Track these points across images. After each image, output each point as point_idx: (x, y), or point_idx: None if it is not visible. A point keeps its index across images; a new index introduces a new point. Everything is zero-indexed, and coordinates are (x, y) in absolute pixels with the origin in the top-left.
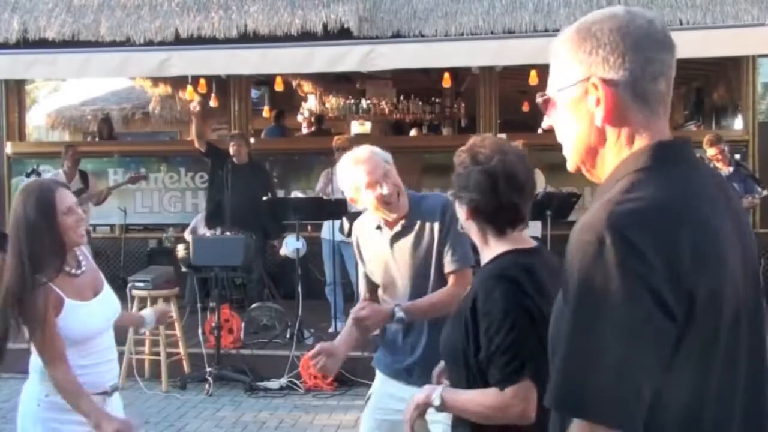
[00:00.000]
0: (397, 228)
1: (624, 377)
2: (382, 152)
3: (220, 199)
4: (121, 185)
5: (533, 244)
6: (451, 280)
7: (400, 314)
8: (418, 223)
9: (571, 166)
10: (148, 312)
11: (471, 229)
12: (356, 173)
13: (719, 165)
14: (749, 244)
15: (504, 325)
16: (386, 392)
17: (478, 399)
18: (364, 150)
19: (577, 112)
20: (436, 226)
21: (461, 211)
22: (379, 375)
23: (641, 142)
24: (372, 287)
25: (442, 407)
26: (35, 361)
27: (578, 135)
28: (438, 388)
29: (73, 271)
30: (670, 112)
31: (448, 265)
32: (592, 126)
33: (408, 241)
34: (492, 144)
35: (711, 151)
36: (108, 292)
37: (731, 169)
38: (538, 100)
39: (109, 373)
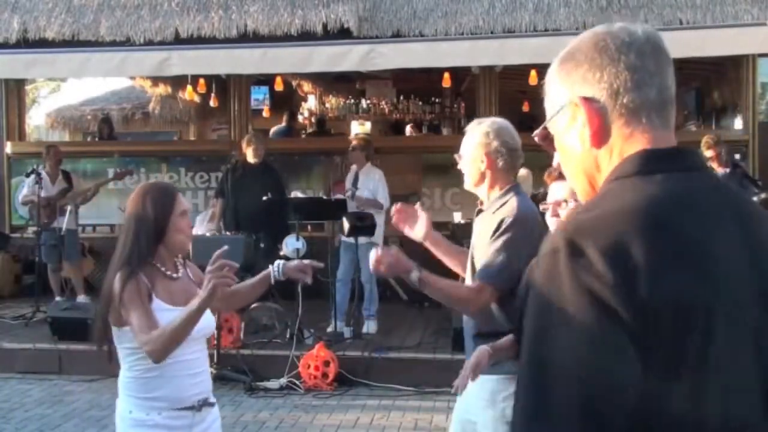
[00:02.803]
0: (478, 210)
1: (573, 384)
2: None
3: (235, 202)
4: (108, 182)
5: None
6: (473, 284)
7: (414, 276)
8: (490, 213)
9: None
10: (278, 263)
11: None
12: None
13: (714, 165)
14: None
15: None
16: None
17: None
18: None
19: (569, 138)
20: (493, 226)
21: None
22: None
23: (630, 153)
24: None
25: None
26: (122, 376)
27: (578, 163)
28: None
29: (169, 273)
30: (672, 119)
31: (477, 272)
32: (587, 151)
33: (477, 227)
34: None
35: (708, 153)
36: None
37: (727, 170)
38: (536, 137)
39: (195, 387)
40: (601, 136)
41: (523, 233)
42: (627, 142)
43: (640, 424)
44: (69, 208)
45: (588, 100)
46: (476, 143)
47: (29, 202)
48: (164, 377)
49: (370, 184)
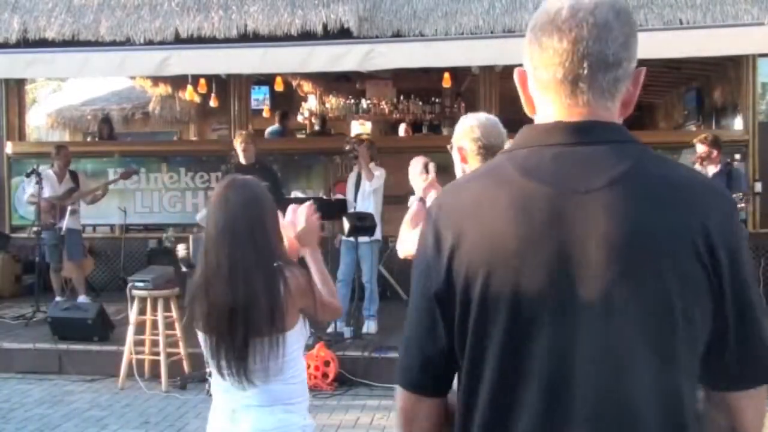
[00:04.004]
0: None
1: (406, 347)
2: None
3: None
4: (115, 181)
5: None
6: None
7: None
8: None
9: None
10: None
11: None
12: None
13: (705, 164)
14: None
15: None
16: None
17: None
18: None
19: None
20: None
21: None
22: None
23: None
24: None
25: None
26: (281, 389)
27: None
28: None
29: None
30: (589, 99)
31: None
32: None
33: None
34: None
35: (699, 148)
36: None
37: (719, 167)
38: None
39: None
40: (527, 105)
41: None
42: (539, 115)
43: None
44: (69, 208)
45: (521, 73)
46: (459, 135)
47: (35, 202)
48: (304, 372)
49: (376, 182)
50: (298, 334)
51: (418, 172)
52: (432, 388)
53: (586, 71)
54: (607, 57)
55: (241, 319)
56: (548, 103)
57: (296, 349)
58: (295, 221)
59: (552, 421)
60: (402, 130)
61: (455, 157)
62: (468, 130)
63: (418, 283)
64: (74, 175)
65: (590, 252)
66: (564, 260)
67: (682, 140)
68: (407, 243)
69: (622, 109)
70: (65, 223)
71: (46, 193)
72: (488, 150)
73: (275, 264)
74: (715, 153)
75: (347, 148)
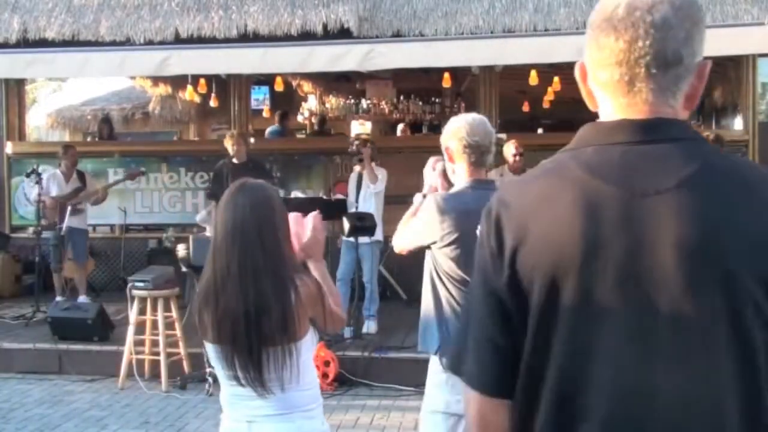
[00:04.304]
0: None
1: (476, 350)
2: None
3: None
4: (120, 182)
5: None
6: None
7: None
8: None
9: None
10: None
11: None
12: None
13: None
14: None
15: None
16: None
17: None
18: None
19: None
20: None
21: None
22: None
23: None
24: None
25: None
26: (295, 397)
27: None
28: None
29: None
30: (647, 98)
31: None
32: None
33: None
34: None
35: None
36: None
37: None
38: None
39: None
40: (588, 100)
41: (420, 217)
42: (598, 112)
43: None
44: (70, 207)
45: (582, 68)
46: (446, 136)
47: (41, 201)
48: (315, 373)
49: (379, 185)
50: (309, 343)
51: (432, 167)
52: (507, 388)
53: (643, 71)
54: (665, 56)
55: (253, 325)
56: (607, 100)
57: (309, 356)
58: (299, 232)
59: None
60: (399, 130)
61: (444, 157)
62: (454, 130)
63: (479, 284)
64: (81, 175)
65: (660, 256)
66: (632, 264)
67: None
68: (403, 238)
69: (686, 103)
70: (66, 223)
71: (53, 192)
72: (474, 148)
73: (286, 270)
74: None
75: (351, 149)
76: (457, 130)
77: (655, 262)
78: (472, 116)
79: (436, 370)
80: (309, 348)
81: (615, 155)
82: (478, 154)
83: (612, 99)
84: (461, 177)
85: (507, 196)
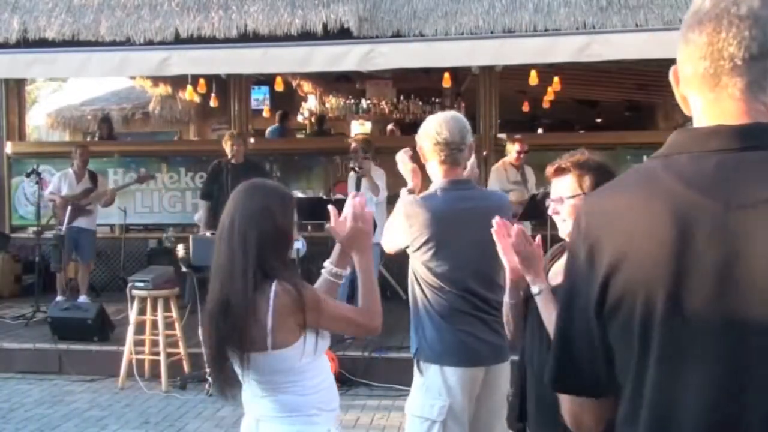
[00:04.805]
0: None
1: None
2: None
3: (216, 206)
4: (130, 185)
5: None
6: None
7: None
8: None
9: None
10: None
11: None
12: None
13: None
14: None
15: None
16: None
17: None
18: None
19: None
20: None
21: None
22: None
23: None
24: None
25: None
26: (295, 401)
27: None
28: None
29: None
30: (734, 93)
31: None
32: None
33: None
34: None
35: None
36: None
37: None
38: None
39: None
40: (681, 101)
41: (392, 221)
42: (691, 113)
43: None
44: (70, 207)
45: (675, 64)
46: (419, 136)
47: (52, 200)
48: (329, 379)
49: (381, 196)
50: (299, 350)
51: (406, 161)
52: (604, 388)
53: (727, 63)
54: (750, 47)
55: (215, 324)
56: (696, 97)
57: (308, 362)
58: (340, 223)
59: None
60: (388, 130)
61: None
62: (425, 129)
63: (569, 301)
64: (93, 176)
65: (758, 274)
66: (728, 282)
67: None
68: (385, 240)
69: None
70: (66, 224)
71: (64, 191)
72: (443, 146)
73: (261, 274)
74: None
75: (352, 165)
76: (428, 128)
77: (751, 279)
78: (445, 114)
79: (415, 372)
80: (304, 354)
81: (710, 165)
82: (448, 151)
83: (699, 95)
84: (436, 177)
85: (596, 208)
